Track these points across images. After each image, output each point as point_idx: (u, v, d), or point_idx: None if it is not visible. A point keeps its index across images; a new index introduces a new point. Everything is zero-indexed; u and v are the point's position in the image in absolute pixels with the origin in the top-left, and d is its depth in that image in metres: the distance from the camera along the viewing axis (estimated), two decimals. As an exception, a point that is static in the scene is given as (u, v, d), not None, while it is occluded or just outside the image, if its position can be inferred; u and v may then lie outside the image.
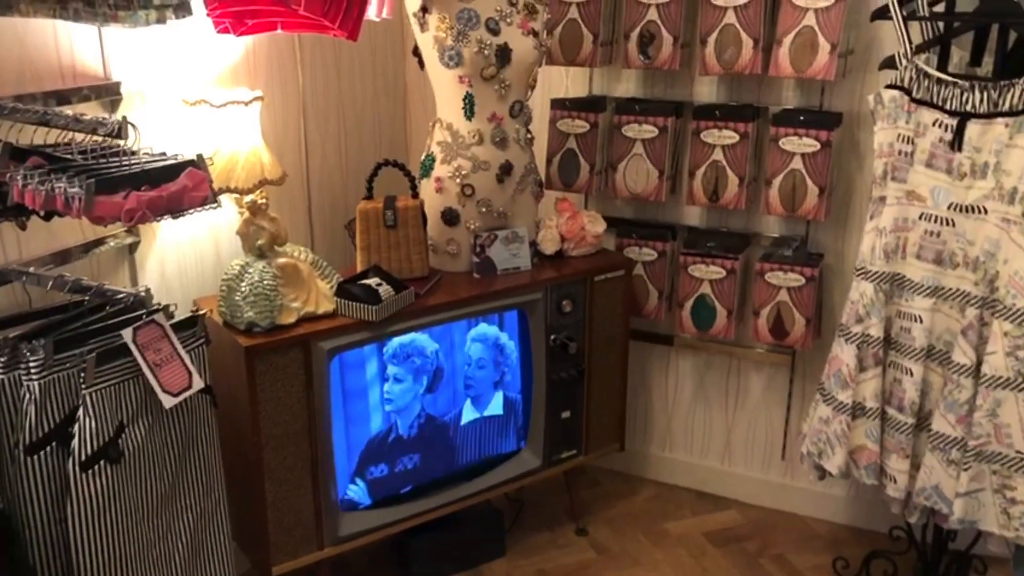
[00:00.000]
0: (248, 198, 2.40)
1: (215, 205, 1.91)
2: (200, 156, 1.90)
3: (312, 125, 2.94)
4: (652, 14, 2.86)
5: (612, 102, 3.09)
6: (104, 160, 1.84)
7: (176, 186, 1.80)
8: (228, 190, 2.37)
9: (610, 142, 3.05)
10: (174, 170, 1.84)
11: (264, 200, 2.42)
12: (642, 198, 3.02)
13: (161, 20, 1.83)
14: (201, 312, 2.07)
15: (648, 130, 2.96)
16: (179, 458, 2.05)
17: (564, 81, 3.23)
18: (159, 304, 2.06)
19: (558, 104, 3.08)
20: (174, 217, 1.81)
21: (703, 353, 3.24)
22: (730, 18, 2.72)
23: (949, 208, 2.29)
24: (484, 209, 2.74)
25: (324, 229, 3.02)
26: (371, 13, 2.46)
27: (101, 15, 1.72)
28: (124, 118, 1.78)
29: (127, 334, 1.87)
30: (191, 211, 1.86)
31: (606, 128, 3.05)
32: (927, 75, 2.29)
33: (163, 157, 1.91)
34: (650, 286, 3.08)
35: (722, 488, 3.36)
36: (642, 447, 3.45)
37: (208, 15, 2.21)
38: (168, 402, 1.92)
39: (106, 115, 2.18)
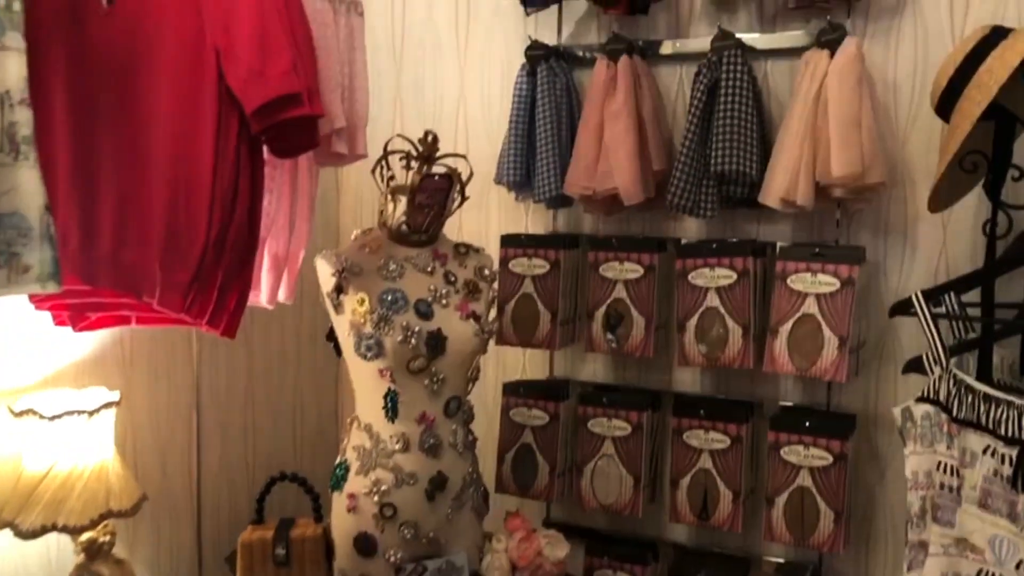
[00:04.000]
0: (85, 536, 1.81)
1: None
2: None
3: (209, 417, 2.40)
4: (619, 291, 2.41)
5: (576, 388, 2.58)
6: None
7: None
8: (55, 528, 1.78)
9: (574, 438, 2.50)
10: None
11: (108, 537, 1.84)
12: (614, 511, 2.43)
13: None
14: None
15: (619, 426, 2.43)
16: None
17: (521, 360, 2.73)
18: None
19: (512, 389, 2.57)
20: None
21: None
22: (712, 300, 2.26)
23: (1019, 568, 1.70)
24: (409, 534, 2.13)
25: (217, 557, 2.39)
26: (261, 299, 1.99)
27: None
28: None
29: None
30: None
31: (569, 421, 2.52)
32: (969, 388, 1.78)
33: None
34: (628, 624, 2.43)
35: None
36: None
37: (37, 308, 1.72)
38: None
39: None
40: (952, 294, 1.86)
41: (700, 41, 2.36)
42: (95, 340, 2.08)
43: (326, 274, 2.16)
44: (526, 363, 2.74)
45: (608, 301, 2.42)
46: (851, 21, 2.20)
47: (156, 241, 1.64)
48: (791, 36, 2.28)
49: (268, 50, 1.62)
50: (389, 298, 2.12)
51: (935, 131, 2.15)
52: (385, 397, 2.14)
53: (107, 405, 1.87)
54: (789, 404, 2.36)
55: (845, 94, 2.05)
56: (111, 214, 1.65)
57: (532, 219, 2.71)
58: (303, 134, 1.73)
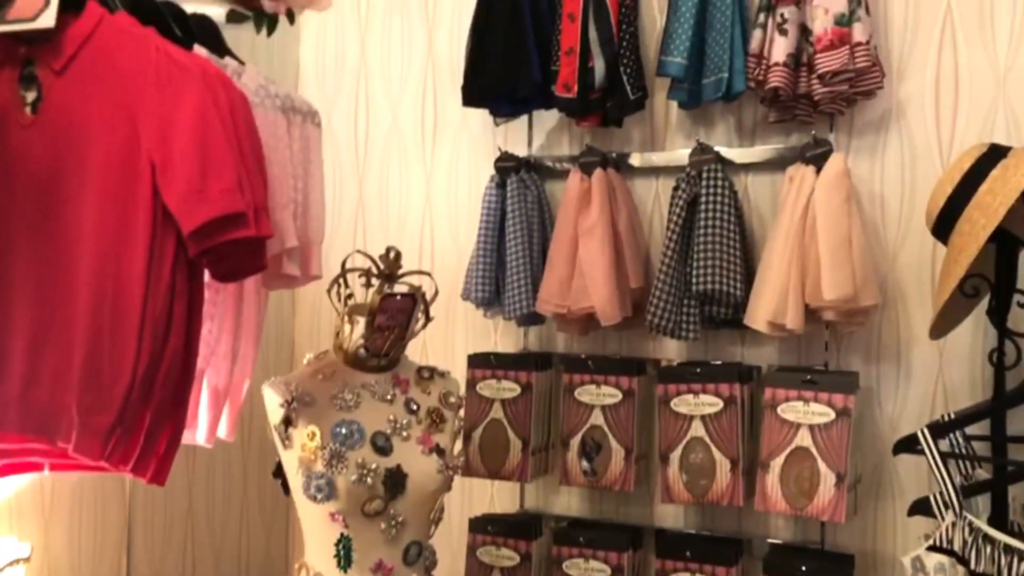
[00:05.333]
0: None
1: None
2: None
3: (142, 570, 2.14)
4: (596, 417, 2.23)
5: (550, 524, 2.37)
6: None
7: None
8: None
9: (547, 580, 2.28)
10: None
11: None
12: (592, 664, 2.19)
13: None
14: None
15: (598, 568, 2.21)
16: None
17: (489, 491, 2.52)
18: None
19: (478, 525, 2.35)
20: None
21: None
22: (697, 430, 2.09)
23: None
24: None
25: None
26: (198, 437, 1.79)
27: None
28: None
29: None
30: None
31: (542, 562, 2.30)
32: (988, 538, 1.60)
33: None
34: None
35: None
36: None
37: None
38: None
39: None
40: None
41: (676, 154, 2.27)
42: (9, 483, 1.85)
43: (274, 405, 1.95)
44: (494, 495, 2.53)
45: (584, 428, 2.23)
46: (834, 136, 2.11)
47: (74, 377, 1.44)
48: (771, 150, 2.19)
49: (209, 165, 1.47)
50: (343, 431, 1.91)
51: (926, 248, 2.05)
52: (337, 544, 1.91)
53: (14, 562, 1.63)
54: (779, 542, 2.17)
55: (833, 212, 1.93)
56: (23, 348, 1.46)
57: (501, 337, 2.54)
58: (249, 257, 1.55)
